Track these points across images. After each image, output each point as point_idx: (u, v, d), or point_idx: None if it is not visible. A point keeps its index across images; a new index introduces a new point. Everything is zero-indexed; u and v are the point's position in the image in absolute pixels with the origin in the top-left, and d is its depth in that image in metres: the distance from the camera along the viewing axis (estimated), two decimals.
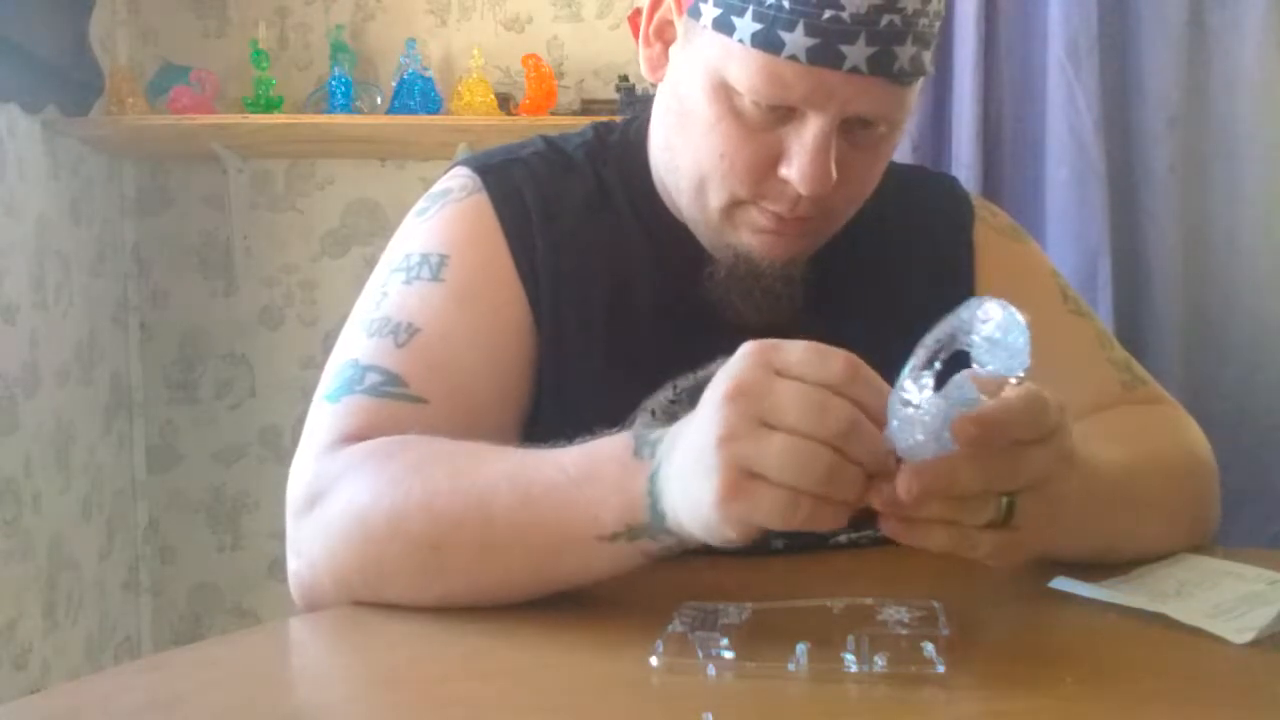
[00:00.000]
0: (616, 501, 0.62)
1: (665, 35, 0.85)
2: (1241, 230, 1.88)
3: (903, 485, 0.56)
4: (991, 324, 0.56)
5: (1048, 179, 1.89)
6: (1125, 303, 1.86)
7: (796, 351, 0.57)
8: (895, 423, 0.56)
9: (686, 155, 0.83)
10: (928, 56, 0.78)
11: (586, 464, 0.64)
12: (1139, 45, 1.89)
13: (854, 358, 0.57)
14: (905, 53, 0.75)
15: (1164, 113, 1.88)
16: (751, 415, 0.55)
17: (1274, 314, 1.86)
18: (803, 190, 0.78)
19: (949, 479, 0.56)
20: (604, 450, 0.64)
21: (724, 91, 0.79)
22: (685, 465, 0.58)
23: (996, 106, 1.92)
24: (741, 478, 0.55)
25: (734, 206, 0.83)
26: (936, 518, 0.58)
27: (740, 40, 0.76)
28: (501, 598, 0.68)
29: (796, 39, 0.74)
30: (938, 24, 0.79)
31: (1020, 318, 0.55)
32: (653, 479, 0.61)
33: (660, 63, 0.86)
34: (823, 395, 0.55)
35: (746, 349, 0.58)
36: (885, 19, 0.74)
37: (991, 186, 1.91)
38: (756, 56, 0.75)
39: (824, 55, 0.74)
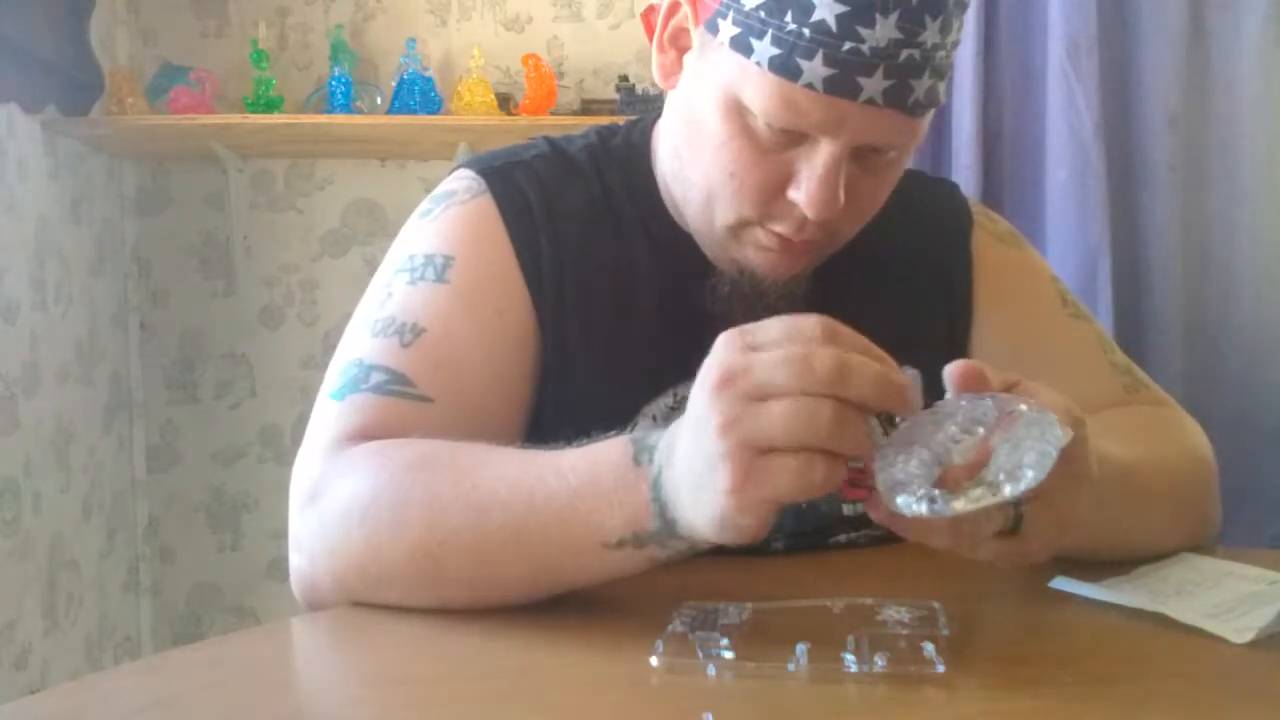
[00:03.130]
0: (620, 512, 0.61)
1: (680, 43, 0.84)
2: (1241, 230, 1.88)
3: (879, 513, 0.57)
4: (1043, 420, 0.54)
5: (1048, 179, 1.89)
6: (1125, 303, 1.86)
7: (768, 326, 0.58)
8: (881, 477, 0.55)
9: (696, 169, 0.83)
10: (942, 87, 0.78)
11: (586, 471, 0.63)
12: (1139, 45, 1.89)
13: (825, 318, 0.57)
14: (921, 86, 0.75)
15: (1164, 113, 1.88)
16: (744, 395, 0.55)
17: (1274, 314, 1.86)
18: (810, 214, 0.78)
19: None
20: (602, 457, 0.63)
21: (737, 110, 0.78)
22: (691, 468, 0.58)
23: (996, 106, 1.92)
24: (752, 458, 0.55)
25: (741, 226, 0.83)
26: (940, 526, 0.58)
27: (758, 63, 0.75)
28: (499, 603, 0.67)
29: (815, 68, 0.73)
30: (954, 53, 0.79)
31: (1063, 439, 0.54)
32: (655, 486, 0.60)
33: (674, 70, 0.85)
34: (805, 351, 0.55)
35: (720, 340, 0.58)
36: (905, 53, 0.73)
37: (991, 187, 1.91)
38: (773, 81, 0.75)
39: (841, 86, 0.74)
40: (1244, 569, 0.73)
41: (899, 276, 0.94)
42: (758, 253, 0.84)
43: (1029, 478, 0.52)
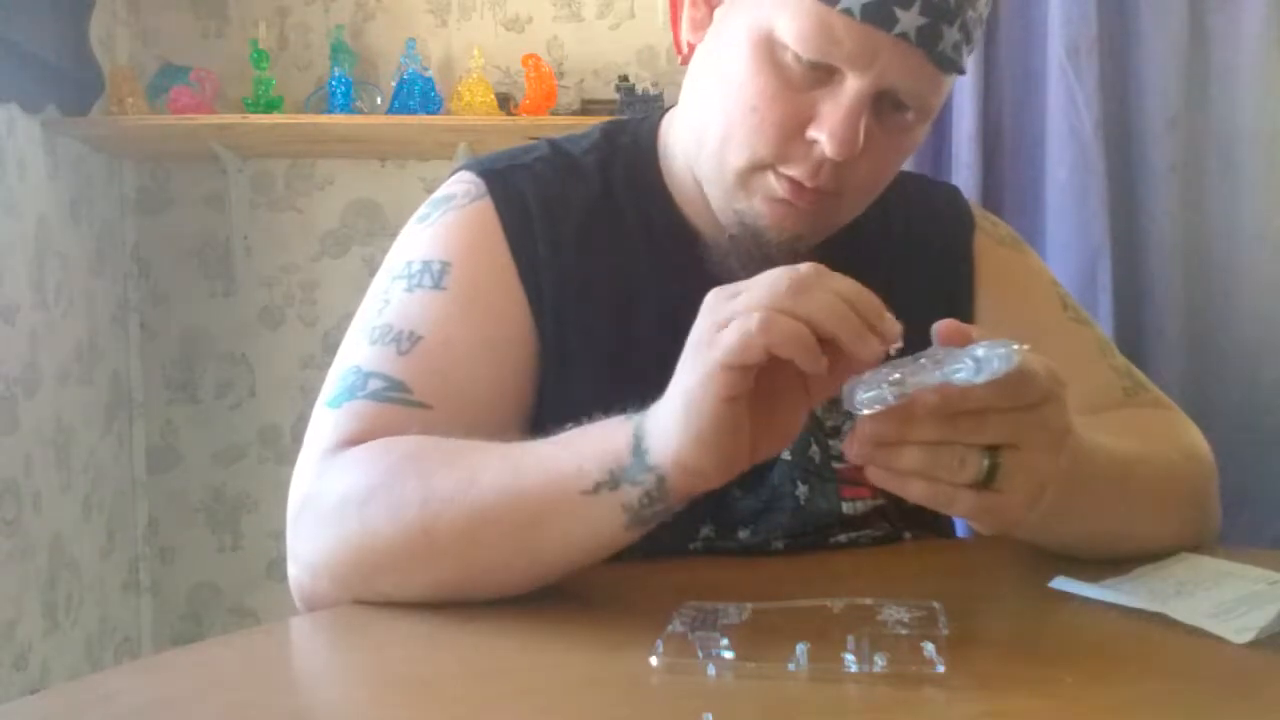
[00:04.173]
0: (601, 450, 0.64)
1: None
2: (1241, 230, 1.87)
3: (851, 450, 0.60)
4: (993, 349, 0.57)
5: (1048, 179, 1.88)
6: (1125, 302, 1.86)
7: (754, 280, 0.62)
8: (846, 386, 0.59)
9: (716, 110, 0.83)
10: (966, 54, 0.79)
11: (577, 431, 0.67)
12: (1139, 45, 1.89)
13: (816, 265, 0.62)
14: (951, 36, 0.76)
15: (1164, 113, 1.88)
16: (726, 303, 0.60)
17: (1274, 314, 1.86)
18: (829, 151, 0.77)
19: (902, 429, 0.59)
20: (596, 421, 0.67)
21: (768, 46, 0.79)
22: (675, 382, 0.62)
23: (996, 106, 1.92)
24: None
25: (753, 170, 0.82)
26: (912, 470, 0.59)
27: None
28: (490, 580, 0.68)
29: None
30: (979, 30, 0.80)
31: (1014, 359, 0.56)
32: (638, 425, 0.64)
33: (704, 23, 0.86)
34: (778, 271, 0.60)
35: (707, 300, 0.63)
36: None
37: (991, 186, 1.91)
38: (810, 6, 0.76)
39: (878, 14, 0.75)
40: (1244, 569, 0.73)
41: (901, 275, 0.94)
42: (765, 203, 0.83)
43: (968, 365, 0.56)
